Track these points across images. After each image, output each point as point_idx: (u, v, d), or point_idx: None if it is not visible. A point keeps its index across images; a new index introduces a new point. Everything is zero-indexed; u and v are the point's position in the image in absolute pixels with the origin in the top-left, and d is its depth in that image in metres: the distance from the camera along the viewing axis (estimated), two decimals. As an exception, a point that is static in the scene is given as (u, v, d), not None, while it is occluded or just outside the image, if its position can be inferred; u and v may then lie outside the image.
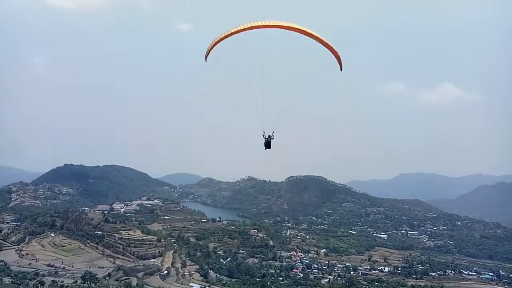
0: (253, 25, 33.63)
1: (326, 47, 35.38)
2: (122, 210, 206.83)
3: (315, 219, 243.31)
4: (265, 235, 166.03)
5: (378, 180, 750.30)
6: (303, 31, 34.42)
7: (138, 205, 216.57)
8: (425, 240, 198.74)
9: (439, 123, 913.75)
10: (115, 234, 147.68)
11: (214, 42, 35.09)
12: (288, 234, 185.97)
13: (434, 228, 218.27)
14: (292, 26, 34.21)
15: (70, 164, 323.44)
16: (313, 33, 34.61)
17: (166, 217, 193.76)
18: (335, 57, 36.15)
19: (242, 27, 33.66)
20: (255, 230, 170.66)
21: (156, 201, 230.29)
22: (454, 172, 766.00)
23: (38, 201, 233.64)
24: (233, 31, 33.87)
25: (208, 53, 35.90)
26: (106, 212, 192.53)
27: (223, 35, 34.35)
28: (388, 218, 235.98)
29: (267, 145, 39.28)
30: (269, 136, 38.98)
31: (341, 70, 36.82)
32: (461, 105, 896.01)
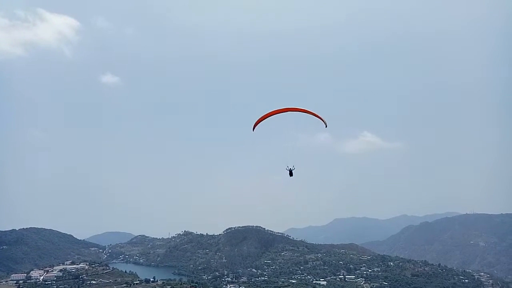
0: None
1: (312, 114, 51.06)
2: (42, 277, 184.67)
3: (255, 270, 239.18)
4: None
5: (314, 227, 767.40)
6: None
7: (60, 270, 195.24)
8: (362, 283, 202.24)
9: (364, 170, 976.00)
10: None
11: (262, 118, 49.48)
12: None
13: (370, 271, 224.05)
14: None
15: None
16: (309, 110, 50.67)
17: (94, 282, 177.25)
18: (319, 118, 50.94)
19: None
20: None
21: (81, 265, 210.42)
22: (383, 214, 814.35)
23: None
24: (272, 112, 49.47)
25: (256, 125, 51.10)
26: (21, 281, 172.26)
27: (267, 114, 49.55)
28: (326, 264, 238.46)
29: (290, 174, 51.69)
30: (291, 169, 51.38)
31: (326, 126, 53.08)
32: (382, 152, 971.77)
